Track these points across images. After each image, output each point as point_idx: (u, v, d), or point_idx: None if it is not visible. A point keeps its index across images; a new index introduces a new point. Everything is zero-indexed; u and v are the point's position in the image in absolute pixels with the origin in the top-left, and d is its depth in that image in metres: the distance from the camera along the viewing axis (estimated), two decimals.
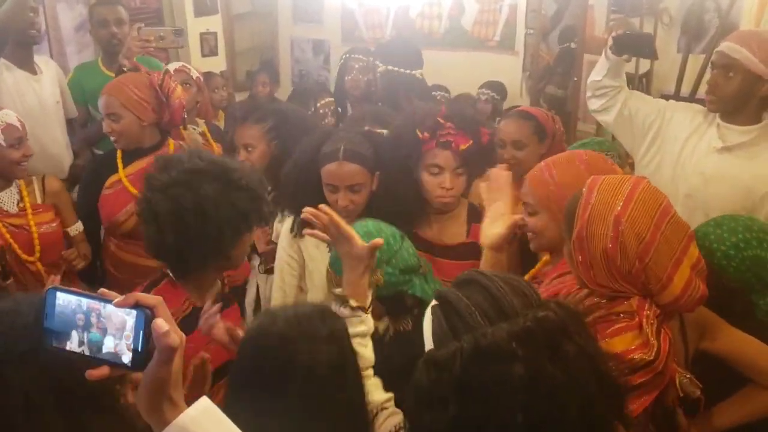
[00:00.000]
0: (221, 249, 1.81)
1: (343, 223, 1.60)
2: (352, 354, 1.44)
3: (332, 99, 3.67)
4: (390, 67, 3.30)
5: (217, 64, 5.01)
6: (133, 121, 2.62)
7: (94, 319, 0.92)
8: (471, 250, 2.15)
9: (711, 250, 1.68)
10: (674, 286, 1.41)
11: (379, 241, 1.60)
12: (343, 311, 1.53)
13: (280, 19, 5.46)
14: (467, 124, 2.17)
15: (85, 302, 0.93)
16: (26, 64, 3.11)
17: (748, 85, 2.25)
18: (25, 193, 2.54)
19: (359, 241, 1.58)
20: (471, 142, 2.13)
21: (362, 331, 1.52)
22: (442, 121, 2.16)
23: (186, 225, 1.74)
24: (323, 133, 2.31)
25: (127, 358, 0.91)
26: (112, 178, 2.68)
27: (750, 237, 1.72)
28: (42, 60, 3.25)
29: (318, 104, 3.60)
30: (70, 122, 3.35)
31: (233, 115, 2.86)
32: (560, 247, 1.79)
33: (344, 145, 2.15)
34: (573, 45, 4.24)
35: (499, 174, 2.03)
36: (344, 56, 3.89)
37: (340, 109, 3.72)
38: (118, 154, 2.71)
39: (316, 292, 2.32)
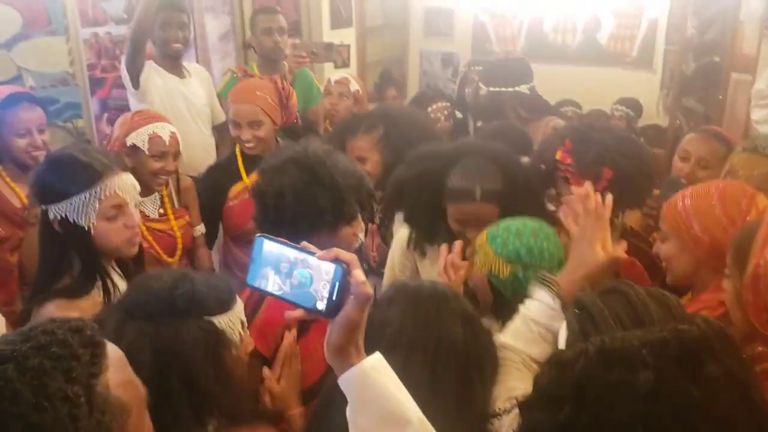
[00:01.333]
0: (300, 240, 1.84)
1: (601, 223, 1.54)
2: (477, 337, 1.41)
3: (447, 104, 3.63)
4: (492, 89, 3.25)
5: (334, 76, 5.14)
6: (271, 126, 2.69)
7: (296, 268, 1.02)
8: None
9: None
10: None
11: (621, 255, 1.52)
12: (546, 298, 1.50)
13: (411, 32, 5.54)
14: (587, 165, 2.05)
15: (290, 252, 1.03)
16: (174, 68, 3.35)
17: None
18: (165, 199, 2.62)
19: (598, 248, 1.52)
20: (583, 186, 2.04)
21: (554, 326, 1.46)
22: (559, 158, 2.09)
23: (265, 207, 1.80)
24: (448, 155, 2.15)
25: (321, 305, 1.00)
26: (236, 188, 2.73)
27: None
28: (192, 65, 3.48)
29: (430, 108, 3.57)
30: (218, 127, 3.55)
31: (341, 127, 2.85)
32: (695, 281, 1.70)
33: (481, 185, 2.00)
34: (716, 59, 4.02)
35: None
36: (465, 68, 3.91)
37: (460, 114, 3.68)
38: (239, 163, 2.76)
39: None
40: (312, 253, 1.02)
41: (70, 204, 1.74)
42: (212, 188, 2.79)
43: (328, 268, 1.00)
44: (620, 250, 1.58)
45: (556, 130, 2.35)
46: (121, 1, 3.81)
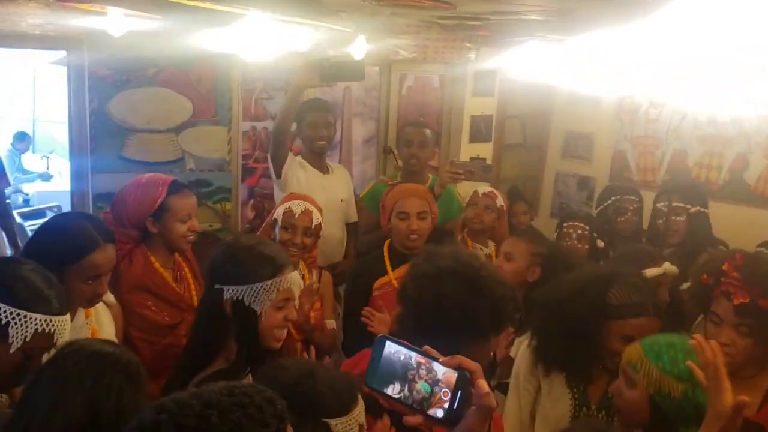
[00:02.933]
0: (451, 349, 1.81)
1: (723, 369, 1.52)
2: None
3: (584, 225, 3.55)
4: (703, 209, 3.21)
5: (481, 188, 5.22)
6: (431, 222, 2.94)
7: (420, 372, 1.02)
8: (755, 428, 1.90)
9: None
10: None
11: (745, 401, 1.48)
12: None
13: (549, 153, 5.58)
14: (757, 280, 1.95)
15: (413, 355, 1.03)
16: (318, 164, 3.59)
17: None
18: (306, 276, 2.82)
19: (728, 397, 1.48)
20: (748, 299, 1.92)
21: None
22: (727, 268, 1.99)
23: (419, 314, 1.77)
24: (601, 278, 2.16)
25: (440, 412, 1.00)
26: (382, 280, 2.88)
27: None
28: (335, 164, 3.70)
29: (565, 224, 3.53)
30: (348, 226, 3.74)
31: None
32: None
33: (653, 301, 2.07)
34: None
35: None
36: (613, 198, 3.86)
37: (602, 243, 3.60)
38: (386, 258, 2.92)
39: (547, 425, 2.23)
40: (435, 359, 1.02)
41: (251, 289, 1.85)
42: (361, 279, 2.97)
43: (451, 375, 1.00)
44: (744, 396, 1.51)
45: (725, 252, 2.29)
46: (281, 101, 4.15)
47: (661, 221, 3.36)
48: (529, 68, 4.30)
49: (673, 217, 3.32)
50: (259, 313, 1.85)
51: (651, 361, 1.72)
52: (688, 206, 3.32)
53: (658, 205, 3.45)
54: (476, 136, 5.22)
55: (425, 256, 1.90)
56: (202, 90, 3.86)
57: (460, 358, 1.02)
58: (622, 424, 1.82)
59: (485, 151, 5.30)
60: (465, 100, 5.06)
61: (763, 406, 1.96)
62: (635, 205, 3.77)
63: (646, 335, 1.94)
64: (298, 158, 3.58)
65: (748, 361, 1.99)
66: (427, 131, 3.81)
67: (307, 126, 3.59)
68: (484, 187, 3.67)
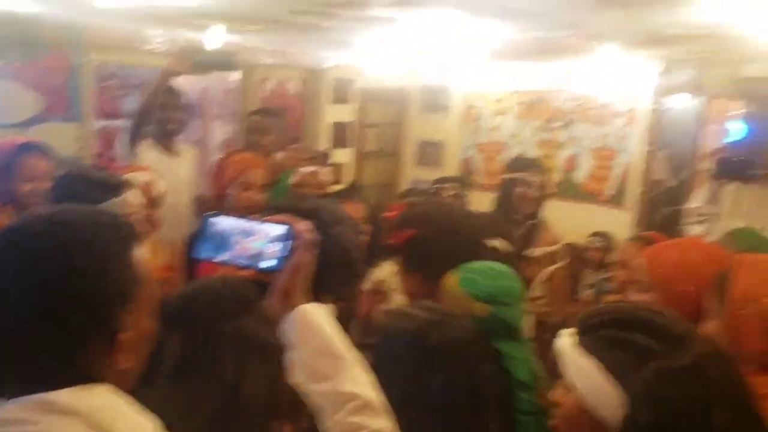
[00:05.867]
0: None
1: None
2: None
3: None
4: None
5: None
6: None
7: (246, 236, 1.13)
8: None
9: None
10: None
11: None
12: None
13: (403, 160, 5.88)
14: (401, 220, 2.18)
15: (241, 222, 1.15)
16: (168, 147, 3.59)
17: None
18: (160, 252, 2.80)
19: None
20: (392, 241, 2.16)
21: None
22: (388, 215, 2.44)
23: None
24: None
25: (273, 262, 1.11)
26: None
27: None
28: (186, 145, 3.72)
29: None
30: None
31: None
32: None
33: None
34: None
35: None
36: (435, 187, 4.23)
37: None
38: None
39: None
40: (261, 222, 1.14)
41: None
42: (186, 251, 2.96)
43: (279, 231, 1.12)
44: None
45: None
46: (137, 99, 4.13)
47: (520, 189, 3.33)
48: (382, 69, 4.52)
49: (527, 189, 3.32)
50: None
51: (461, 287, 1.83)
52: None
53: (515, 176, 3.41)
54: (338, 142, 5.42)
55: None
56: (54, 84, 3.78)
57: (286, 216, 1.16)
58: None
59: (346, 156, 5.51)
60: (324, 107, 5.26)
61: None
62: (453, 192, 4.15)
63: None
64: (149, 141, 3.55)
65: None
66: (270, 120, 3.87)
67: (158, 108, 3.59)
68: (308, 169, 3.73)
